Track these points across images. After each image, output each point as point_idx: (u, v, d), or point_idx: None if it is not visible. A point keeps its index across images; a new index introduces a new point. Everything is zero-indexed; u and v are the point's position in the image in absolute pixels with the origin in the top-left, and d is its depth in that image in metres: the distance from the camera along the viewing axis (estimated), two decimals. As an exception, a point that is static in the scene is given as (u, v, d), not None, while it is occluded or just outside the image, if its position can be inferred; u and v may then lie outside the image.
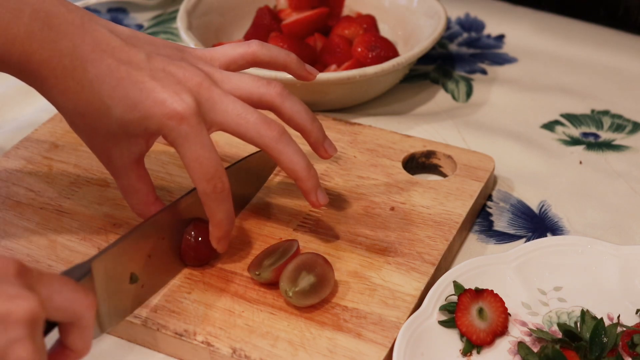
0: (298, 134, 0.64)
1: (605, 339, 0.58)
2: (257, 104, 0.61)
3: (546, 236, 0.70)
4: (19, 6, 0.57)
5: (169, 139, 0.58)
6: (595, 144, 0.81)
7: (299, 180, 0.62)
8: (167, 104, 0.57)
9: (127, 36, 0.60)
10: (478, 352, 0.59)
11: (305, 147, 0.64)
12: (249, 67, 0.65)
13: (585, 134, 0.82)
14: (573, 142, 0.81)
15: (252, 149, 0.68)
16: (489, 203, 0.74)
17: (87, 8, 1.05)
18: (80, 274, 0.53)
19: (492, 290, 0.60)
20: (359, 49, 0.84)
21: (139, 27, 1.02)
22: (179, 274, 0.64)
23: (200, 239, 0.63)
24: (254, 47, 0.64)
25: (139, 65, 0.58)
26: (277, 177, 0.73)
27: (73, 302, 0.46)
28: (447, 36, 0.98)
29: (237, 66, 0.64)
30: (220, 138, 0.69)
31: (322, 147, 0.64)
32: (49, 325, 0.47)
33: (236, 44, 0.65)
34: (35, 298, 0.43)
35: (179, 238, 0.63)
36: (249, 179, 0.70)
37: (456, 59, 0.94)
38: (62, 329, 0.47)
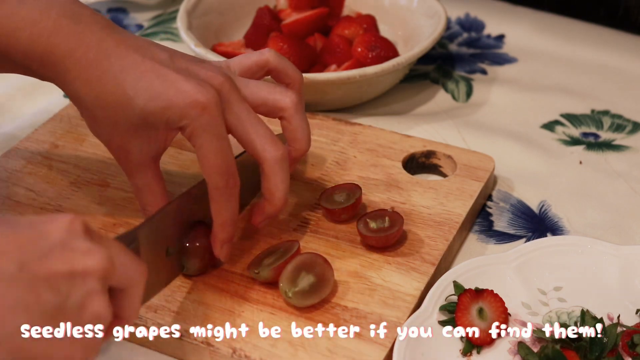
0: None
1: (605, 339, 0.58)
2: (271, 109, 0.63)
3: (546, 236, 0.70)
4: (47, 7, 0.58)
5: (188, 130, 0.58)
6: (595, 144, 0.81)
7: (269, 204, 0.62)
8: (191, 94, 0.57)
9: (148, 40, 0.62)
10: (478, 352, 0.59)
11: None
12: (263, 75, 0.65)
13: (585, 134, 0.82)
14: (573, 142, 0.81)
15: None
16: (489, 203, 0.74)
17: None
18: (128, 241, 0.54)
19: (492, 290, 0.60)
20: (359, 49, 0.84)
21: (139, 27, 1.02)
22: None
23: (201, 245, 0.63)
24: (267, 55, 0.65)
25: (163, 62, 0.59)
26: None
27: (129, 268, 0.48)
28: (447, 36, 0.98)
29: (251, 73, 0.64)
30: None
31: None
32: None
33: (250, 53, 0.66)
34: (107, 253, 0.45)
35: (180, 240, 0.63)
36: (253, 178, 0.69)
37: (456, 59, 0.94)
38: (112, 296, 0.48)
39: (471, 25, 1.00)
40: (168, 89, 0.58)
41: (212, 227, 0.61)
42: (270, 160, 0.60)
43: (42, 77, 0.60)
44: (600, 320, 0.59)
